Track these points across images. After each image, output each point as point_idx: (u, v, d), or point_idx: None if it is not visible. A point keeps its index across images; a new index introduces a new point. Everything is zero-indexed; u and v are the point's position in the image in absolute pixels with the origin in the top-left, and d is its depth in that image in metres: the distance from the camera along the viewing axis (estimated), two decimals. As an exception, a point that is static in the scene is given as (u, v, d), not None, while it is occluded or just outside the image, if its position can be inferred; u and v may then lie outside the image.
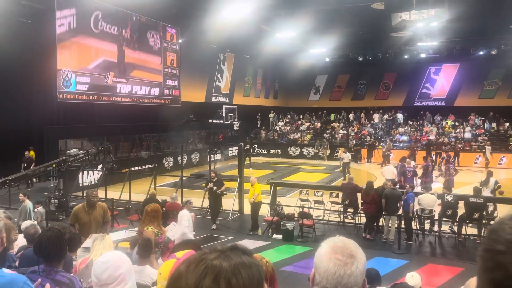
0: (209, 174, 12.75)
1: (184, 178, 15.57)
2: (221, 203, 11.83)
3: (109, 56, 19.28)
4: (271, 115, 34.00)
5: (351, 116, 33.18)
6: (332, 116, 33.84)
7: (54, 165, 13.38)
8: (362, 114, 32.69)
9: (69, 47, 17.07)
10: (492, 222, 8.65)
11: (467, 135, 27.32)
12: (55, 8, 16.79)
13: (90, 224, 6.46)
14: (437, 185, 15.67)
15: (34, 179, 16.53)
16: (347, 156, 20.68)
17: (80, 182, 16.58)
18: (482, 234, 10.31)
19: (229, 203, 12.96)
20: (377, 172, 18.95)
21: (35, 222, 5.01)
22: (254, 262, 0.87)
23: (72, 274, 3.08)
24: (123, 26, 18.97)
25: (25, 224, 5.00)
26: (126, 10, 20.25)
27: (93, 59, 18.33)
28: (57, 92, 17.23)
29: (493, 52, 28.29)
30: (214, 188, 11.61)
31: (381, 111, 32.65)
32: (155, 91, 22.87)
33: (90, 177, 17.41)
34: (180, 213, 8.67)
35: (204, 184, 12.71)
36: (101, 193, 14.76)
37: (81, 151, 14.44)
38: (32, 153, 17.49)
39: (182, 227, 7.87)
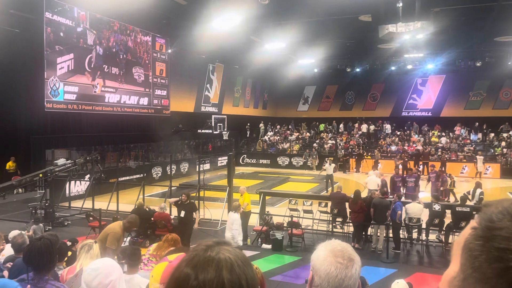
0: (201, 190, 11.99)
1: (172, 188, 15.50)
2: (190, 231, 9.97)
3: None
4: (261, 125, 34.13)
5: (341, 126, 33.43)
6: (322, 126, 34.09)
7: (40, 175, 13.20)
8: (356, 124, 32.91)
9: (68, 84, 18.58)
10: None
11: (453, 145, 27.76)
12: (43, 18, 16.82)
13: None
14: (424, 194, 15.81)
15: (20, 189, 16.29)
16: (330, 168, 19.65)
17: (67, 192, 16.38)
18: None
19: (218, 213, 12.93)
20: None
21: (23, 232, 4.95)
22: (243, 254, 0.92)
23: (60, 283, 3.06)
24: (112, 64, 20.85)
25: (13, 233, 4.94)
26: (115, 20, 20.34)
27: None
28: (45, 101, 17.11)
29: (478, 64, 28.90)
30: (183, 213, 9.99)
31: (380, 121, 32.97)
32: (144, 101, 22.82)
33: (78, 187, 17.22)
34: (232, 217, 9.03)
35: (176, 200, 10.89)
36: (88, 204, 14.65)
37: (69, 161, 14.28)
38: (10, 163, 17.19)
39: (233, 231, 8.76)
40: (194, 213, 10.10)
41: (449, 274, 0.72)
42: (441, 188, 15.41)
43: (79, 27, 18.66)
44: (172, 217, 11.28)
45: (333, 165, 20.36)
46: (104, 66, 20.15)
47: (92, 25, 19.33)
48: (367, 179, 15.83)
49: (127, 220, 6.30)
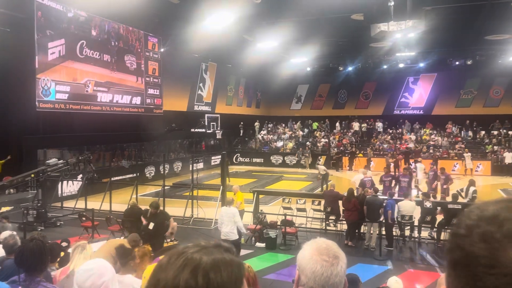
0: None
1: (166, 187, 15.46)
2: (162, 244, 8.63)
3: (92, 77, 19.87)
4: (257, 124, 34.18)
5: (337, 125, 33.48)
6: (315, 125, 34.19)
7: (32, 175, 13.11)
8: (355, 122, 32.97)
9: (59, 71, 18.31)
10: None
11: (444, 143, 27.98)
12: (34, 17, 16.67)
13: None
14: (416, 191, 15.90)
15: (12, 190, 16.15)
16: (322, 168, 19.70)
17: (60, 192, 16.29)
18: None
19: (212, 212, 12.93)
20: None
21: (14, 233, 4.91)
22: (235, 260, 0.87)
23: (53, 285, 3.05)
24: (104, 51, 20.60)
25: (4, 234, 4.90)
26: (107, 19, 20.22)
27: (78, 80, 19.33)
28: (36, 101, 16.96)
29: (469, 63, 29.15)
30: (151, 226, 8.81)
31: (372, 120, 33.15)
32: (137, 100, 22.71)
33: (70, 187, 17.12)
34: (231, 211, 9.23)
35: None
36: (81, 204, 14.58)
37: (61, 161, 14.19)
38: None
39: (238, 223, 9.12)
40: (167, 222, 9.02)
41: None
42: (444, 186, 15.03)
43: (70, 13, 18.47)
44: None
45: (322, 166, 20.37)
46: (95, 52, 19.94)
47: (82, 16, 19.21)
48: (354, 178, 15.87)
49: (133, 239, 6.25)
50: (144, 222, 9.39)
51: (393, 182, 14.90)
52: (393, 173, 18.72)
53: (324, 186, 18.35)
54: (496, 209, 0.68)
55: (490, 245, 0.64)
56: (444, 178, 15.33)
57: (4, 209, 10.90)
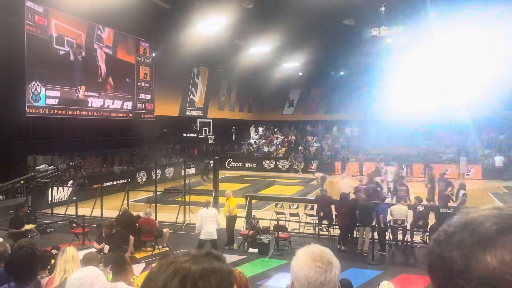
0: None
1: (158, 193, 15.36)
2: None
3: (83, 83, 19.72)
4: (252, 128, 34.22)
5: (334, 129, 33.59)
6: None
7: (22, 182, 12.94)
8: (348, 128, 33.15)
9: (50, 77, 17.99)
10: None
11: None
12: (24, 22, 16.52)
13: None
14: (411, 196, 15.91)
15: (1, 197, 15.92)
16: (319, 175, 20.51)
17: (50, 198, 16.10)
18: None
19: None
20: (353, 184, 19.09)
21: (3, 240, 4.84)
22: (225, 268, 0.88)
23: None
24: (96, 58, 20.47)
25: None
26: (97, 24, 20.13)
27: (69, 85, 19.10)
28: (26, 106, 16.78)
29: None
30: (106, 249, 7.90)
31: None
32: (128, 105, 22.58)
33: (60, 193, 16.93)
34: (212, 211, 9.75)
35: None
36: (71, 210, 14.42)
37: (51, 167, 14.03)
38: None
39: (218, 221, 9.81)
40: (126, 243, 8.46)
41: None
42: (446, 192, 14.07)
43: (60, 22, 18.21)
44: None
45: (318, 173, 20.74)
46: (87, 60, 19.73)
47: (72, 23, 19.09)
48: (341, 183, 15.90)
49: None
50: (98, 246, 8.38)
51: (378, 189, 14.63)
52: (383, 178, 18.78)
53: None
54: (471, 217, 0.72)
55: (462, 251, 0.68)
56: (445, 184, 14.54)
57: (27, 226, 10.69)
